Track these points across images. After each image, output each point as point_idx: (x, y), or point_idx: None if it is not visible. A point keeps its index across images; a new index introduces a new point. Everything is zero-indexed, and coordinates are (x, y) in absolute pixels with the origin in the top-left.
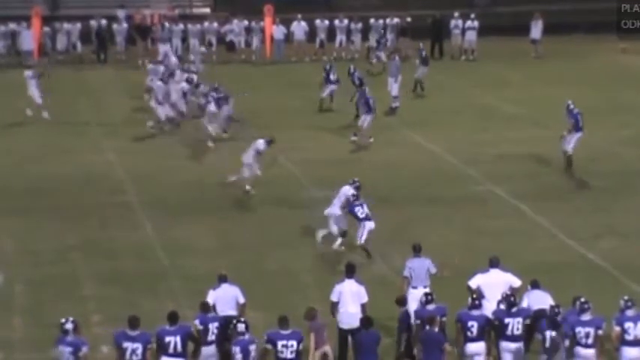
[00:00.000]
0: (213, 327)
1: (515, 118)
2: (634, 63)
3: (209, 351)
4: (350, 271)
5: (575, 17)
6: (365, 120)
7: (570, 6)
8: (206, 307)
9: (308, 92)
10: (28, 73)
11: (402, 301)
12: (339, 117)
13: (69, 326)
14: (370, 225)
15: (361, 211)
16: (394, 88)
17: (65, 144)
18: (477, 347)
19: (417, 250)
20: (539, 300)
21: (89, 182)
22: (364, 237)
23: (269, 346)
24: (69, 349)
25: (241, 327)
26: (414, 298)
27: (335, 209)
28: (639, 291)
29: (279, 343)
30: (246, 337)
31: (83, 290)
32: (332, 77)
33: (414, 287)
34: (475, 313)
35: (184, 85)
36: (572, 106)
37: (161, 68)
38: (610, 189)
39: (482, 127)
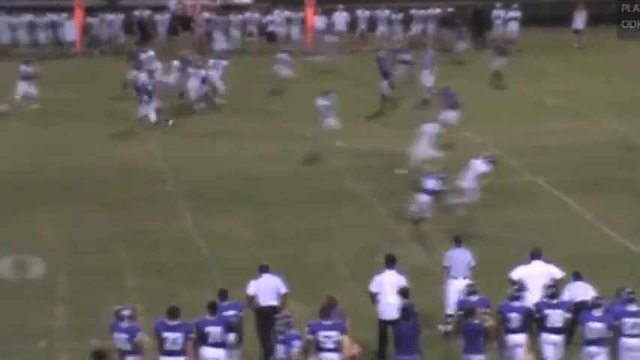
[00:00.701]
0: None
1: (556, 110)
2: None
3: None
4: (390, 262)
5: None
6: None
7: None
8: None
9: (347, 82)
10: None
11: (405, 293)
12: (379, 108)
13: (125, 313)
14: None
15: None
16: (428, 79)
17: (108, 134)
18: (518, 338)
19: (458, 242)
20: (580, 292)
21: (130, 173)
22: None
23: (311, 337)
24: (125, 335)
25: (288, 321)
26: (455, 288)
27: (468, 183)
28: None
29: (321, 334)
30: (292, 332)
31: (125, 280)
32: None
33: (454, 277)
34: (516, 304)
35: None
36: None
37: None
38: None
39: (524, 118)
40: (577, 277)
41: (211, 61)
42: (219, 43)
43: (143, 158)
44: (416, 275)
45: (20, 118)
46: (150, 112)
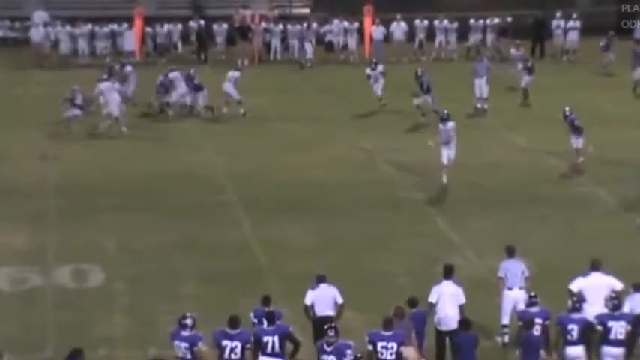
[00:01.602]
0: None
1: (618, 119)
2: None
3: None
4: (448, 272)
5: None
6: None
7: None
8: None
9: (406, 93)
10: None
11: (414, 302)
12: (435, 117)
13: (188, 322)
14: None
15: None
16: (484, 89)
17: (164, 142)
18: (577, 351)
19: (510, 252)
20: None
21: (188, 181)
22: None
23: (370, 347)
24: (185, 344)
25: (331, 333)
26: (510, 298)
27: None
28: None
29: (379, 344)
30: (340, 342)
31: (183, 288)
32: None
33: (510, 288)
34: (575, 316)
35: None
36: None
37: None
38: None
39: (585, 128)
40: (637, 288)
41: (229, 73)
42: (277, 52)
43: (203, 167)
44: (473, 285)
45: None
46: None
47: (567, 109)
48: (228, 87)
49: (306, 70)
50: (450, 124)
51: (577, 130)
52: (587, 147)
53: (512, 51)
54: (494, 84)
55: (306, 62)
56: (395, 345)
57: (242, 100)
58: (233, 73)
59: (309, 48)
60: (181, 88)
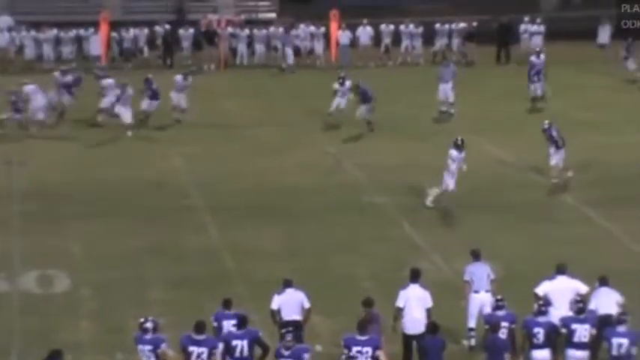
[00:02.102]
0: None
1: (582, 124)
2: None
3: None
4: (415, 276)
5: None
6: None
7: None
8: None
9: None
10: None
11: (369, 303)
12: (404, 122)
13: (149, 325)
14: None
15: None
16: (450, 94)
17: (132, 149)
18: (543, 354)
19: (476, 256)
20: (606, 302)
21: (155, 187)
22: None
23: (345, 352)
24: (148, 346)
25: (288, 337)
26: (476, 302)
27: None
28: None
29: (354, 349)
30: (300, 346)
31: (149, 294)
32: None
33: (476, 292)
34: (541, 319)
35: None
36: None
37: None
38: None
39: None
40: (603, 282)
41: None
42: (244, 57)
43: (170, 172)
44: (440, 289)
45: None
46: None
47: (546, 122)
48: (173, 94)
49: (287, 74)
50: (463, 154)
51: (557, 144)
52: (566, 169)
53: (533, 58)
54: (460, 89)
55: (289, 67)
56: (370, 350)
57: (185, 109)
58: (176, 78)
59: (289, 53)
60: (111, 96)
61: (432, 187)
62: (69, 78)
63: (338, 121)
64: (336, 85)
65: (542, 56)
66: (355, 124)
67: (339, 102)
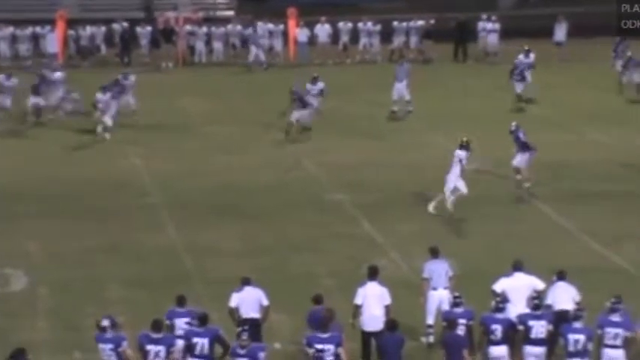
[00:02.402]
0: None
1: (539, 121)
2: None
3: None
4: (373, 274)
5: (601, 19)
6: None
7: (596, 8)
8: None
9: (331, 95)
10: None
11: (318, 300)
12: (361, 120)
13: (105, 323)
14: None
15: None
16: (405, 93)
17: (90, 147)
18: (501, 351)
19: (434, 253)
20: (563, 298)
21: (114, 185)
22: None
23: (307, 350)
24: (109, 345)
25: (244, 336)
26: (434, 299)
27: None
28: None
29: (317, 347)
30: (255, 344)
31: (107, 292)
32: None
33: (434, 288)
34: (499, 316)
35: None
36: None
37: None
38: (634, 192)
39: (507, 129)
40: (561, 276)
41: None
42: (202, 55)
43: (128, 171)
44: (398, 286)
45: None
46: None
47: (514, 124)
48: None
49: (255, 72)
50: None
51: (524, 147)
52: (528, 179)
53: (521, 56)
54: (417, 86)
55: (263, 63)
56: (332, 347)
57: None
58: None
59: (260, 51)
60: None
61: (440, 193)
62: (13, 81)
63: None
64: (308, 85)
65: (531, 55)
66: (314, 122)
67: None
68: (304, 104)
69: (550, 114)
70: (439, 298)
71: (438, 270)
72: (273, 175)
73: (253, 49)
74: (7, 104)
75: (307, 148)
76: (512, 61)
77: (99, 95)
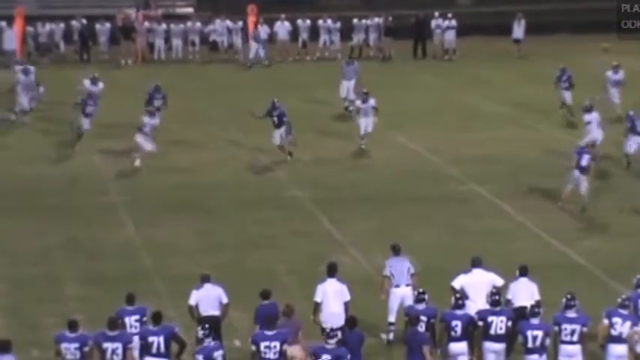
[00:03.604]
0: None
1: (497, 118)
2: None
3: None
4: (331, 271)
5: (558, 17)
6: None
7: (553, 6)
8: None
9: (290, 92)
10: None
11: (266, 295)
12: (321, 118)
13: (76, 321)
14: None
15: None
16: (351, 92)
17: (48, 145)
18: (461, 347)
19: (396, 250)
20: (523, 294)
21: (72, 183)
22: None
23: (253, 348)
24: (75, 344)
25: (201, 333)
26: (396, 296)
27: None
28: (620, 290)
29: (262, 344)
30: (211, 343)
31: (65, 290)
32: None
33: (397, 286)
34: (459, 312)
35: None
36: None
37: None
38: (591, 189)
39: (465, 126)
40: (523, 272)
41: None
42: (161, 52)
43: (85, 168)
44: (359, 283)
45: None
46: None
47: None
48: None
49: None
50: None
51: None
52: None
53: (609, 73)
54: (377, 84)
55: (264, 61)
56: (278, 344)
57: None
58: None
59: (261, 48)
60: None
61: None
62: None
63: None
64: (358, 103)
65: (620, 72)
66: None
67: (361, 124)
68: (281, 122)
69: (506, 110)
70: (401, 295)
71: (400, 267)
72: (231, 172)
73: (254, 46)
74: None
75: (266, 146)
76: (470, 58)
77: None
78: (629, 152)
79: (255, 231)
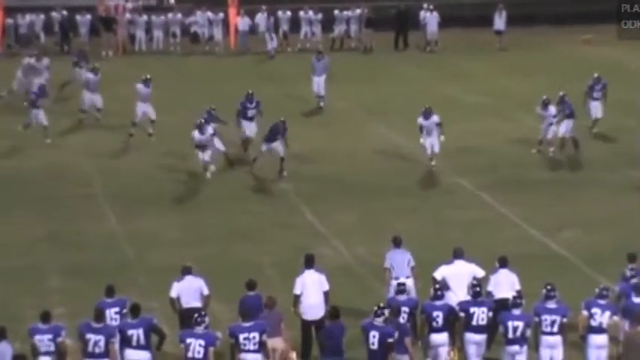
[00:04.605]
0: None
1: (479, 110)
2: (596, 54)
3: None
4: (309, 262)
5: (539, 8)
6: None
7: None
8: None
9: (271, 83)
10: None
11: (251, 286)
12: (303, 110)
13: (45, 315)
14: None
15: None
16: (322, 88)
17: (31, 137)
18: (442, 338)
19: (397, 243)
20: (504, 285)
21: (55, 175)
22: None
23: (232, 340)
24: (48, 335)
25: (207, 320)
26: (395, 289)
27: None
28: (601, 280)
29: (241, 336)
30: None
31: (48, 282)
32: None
33: (396, 278)
34: (439, 303)
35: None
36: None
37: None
38: (572, 180)
39: (447, 118)
40: (503, 263)
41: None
42: (142, 43)
43: (68, 160)
44: (340, 274)
45: None
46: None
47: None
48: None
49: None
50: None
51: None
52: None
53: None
54: (358, 75)
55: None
56: (257, 335)
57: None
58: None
59: (272, 37)
60: None
61: None
62: None
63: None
64: (420, 119)
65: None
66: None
67: (426, 142)
68: (274, 138)
69: (486, 101)
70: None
71: (400, 260)
72: (215, 163)
73: (268, 37)
74: None
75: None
76: (451, 49)
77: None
78: (562, 134)
79: (238, 223)
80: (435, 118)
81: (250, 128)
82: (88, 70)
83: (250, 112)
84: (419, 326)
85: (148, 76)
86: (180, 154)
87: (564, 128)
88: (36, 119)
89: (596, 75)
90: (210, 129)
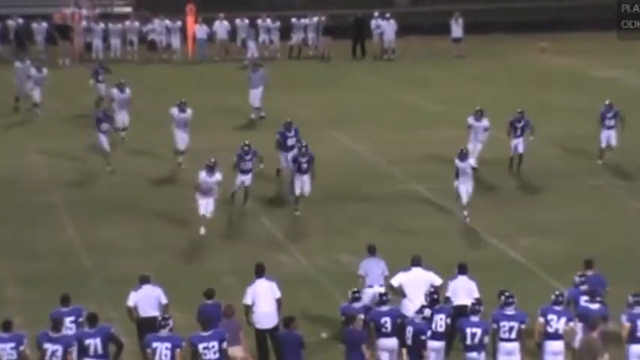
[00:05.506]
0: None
1: (437, 117)
2: (552, 62)
3: None
4: (259, 271)
5: (496, 16)
6: None
7: (490, 5)
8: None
9: (231, 92)
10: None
11: (210, 295)
12: (266, 119)
13: (7, 324)
14: None
15: None
16: (258, 99)
17: None
18: (391, 342)
19: (372, 251)
20: (462, 292)
21: (11, 183)
22: None
23: (194, 349)
24: (11, 344)
25: (171, 323)
26: (369, 296)
27: None
28: (557, 287)
29: (200, 346)
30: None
31: (4, 292)
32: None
33: (370, 286)
34: (385, 309)
35: None
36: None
37: None
38: (528, 187)
39: (406, 126)
40: (462, 270)
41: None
42: (99, 51)
43: (25, 168)
44: (298, 282)
45: None
46: None
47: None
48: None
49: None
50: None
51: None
52: None
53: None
54: (316, 84)
55: (245, 60)
56: (216, 344)
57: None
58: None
59: (252, 46)
60: None
61: None
62: None
63: (204, 116)
64: (470, 120)
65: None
66: (217, 117)
67: (470, 146)
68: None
69: (445, 110)
70: (374, 294)
71: (375, 268)
72: (170, 172)
73: (251, 46)
74: None
75: (204, 146)
76: (409, 57)
77: None
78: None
79: (196, 231)
80: (485, 122)
81: (287, 159)
82: (114, 86)
83: (290, 142)
84: (370, 333)
85: (122, 81)
86: (136, 161)
87: (522, 145)
88: (100, 145)
89: (607, 102)
90: (219, 175)
